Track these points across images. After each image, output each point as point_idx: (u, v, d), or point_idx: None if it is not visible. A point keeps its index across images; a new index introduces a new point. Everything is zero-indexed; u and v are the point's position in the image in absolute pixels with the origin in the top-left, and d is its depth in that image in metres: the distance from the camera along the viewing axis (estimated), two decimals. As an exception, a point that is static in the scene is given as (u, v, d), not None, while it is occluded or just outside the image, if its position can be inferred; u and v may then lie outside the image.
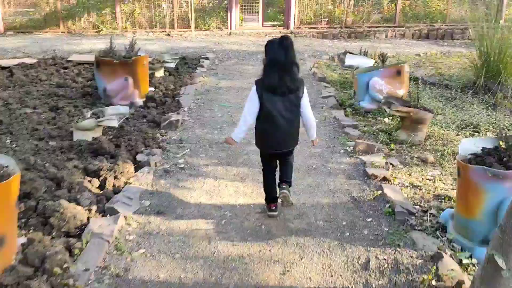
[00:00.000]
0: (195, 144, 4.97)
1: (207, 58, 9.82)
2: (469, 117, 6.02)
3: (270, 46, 3.26)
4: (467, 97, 7.03)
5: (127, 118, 5.82)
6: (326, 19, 13.39)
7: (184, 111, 6.17)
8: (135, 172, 4.05)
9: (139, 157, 4.42)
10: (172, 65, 8.23)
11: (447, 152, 4.76)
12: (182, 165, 4.37)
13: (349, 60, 8.11)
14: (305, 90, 3.32)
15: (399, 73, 6.34)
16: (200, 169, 4.31)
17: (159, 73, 8.12)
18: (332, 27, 13.33)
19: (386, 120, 5.97)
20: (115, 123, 4.83)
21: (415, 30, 13.15)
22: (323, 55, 10.74)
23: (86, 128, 4.80)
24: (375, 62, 8.10)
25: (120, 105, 5.74)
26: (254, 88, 3.26)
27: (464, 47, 11.79)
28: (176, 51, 10.65)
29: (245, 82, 8.03)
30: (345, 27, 13.31)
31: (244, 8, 13.63)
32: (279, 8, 14.96)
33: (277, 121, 3.23)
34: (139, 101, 6.47)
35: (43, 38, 12.15)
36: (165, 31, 12.71)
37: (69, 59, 9.21)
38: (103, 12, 12.42)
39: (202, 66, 9.03)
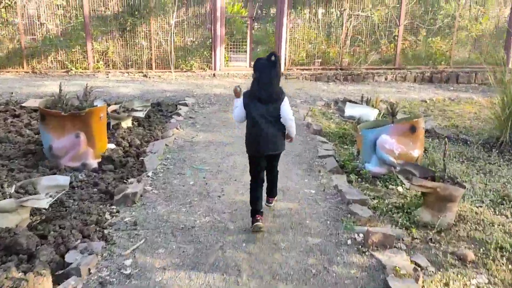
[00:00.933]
0: (153, 231, 3.82)
1: (185, 104, 8.81)
2: (502, 187, 4.99)
3: (259, 62, 3.87)
4: (492, 157, 6.04)
5: (73, 187, 4.69)
6: (320, 60, 12.60)
7: (148, 176, 5.07)
8: (54, 289, 2.87)
9: (70, 257, 3.25)
10: (141, 114, 7.16)
11: (491, 244, 3.67)
12: (129, 271, 3.20)
13: (350, 110, 7.13)
14: (285, 98, 3.86)
15: (413, 129, 5.35)
16: (154, 277, 3.14)
17: (126, 123, 7.06)
18: (326, 69, 12.52)
19: (400, 189, 4.92)
20: (44, 203, 3.67)
21: (417, 73, 12.38)
22: (317, 101, 9.82)
23: (5, 210, 3.63)
24: (381, 114, 7.13)
25: (69, 166, 4.60)
26: (238, 102, 4.02)
27: (473, 93, 10.99)
28: (152, 95, 9.65)
29: (227, 134, 6.99)
30: (341, 69, 12.50)
31: (231, 47, 12.82)
32: (268, 47, 14.20)
33: (261, 125, 3.82)
34: (93, 163, 5.35)
35: (2, 78, 11.11)
36: (142, 72, 11.78)
37: (23, 104, 8.13)
38: (73, 50, 11.48)
39: (179, 114, 8.00)
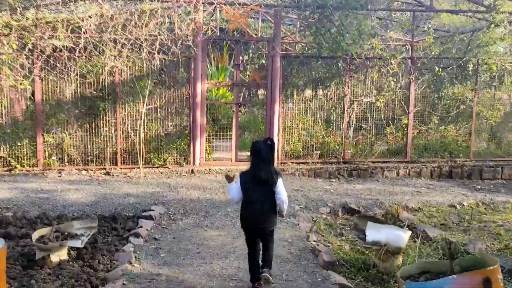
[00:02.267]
0: None
1: (150, 217, 6.94)
2: None
3: (256, 145, 4.59)
4: None
5: None
6: (318, 152, 11.04)
7: None
8: None
9: None
10: (80, 243, 5.23)
11: None
12: None
13: (373, 234, 5.33)
14: (280, 180, 4.51)
15: (487, 283, 3.55)
16: None
17: (59, 255, 5.12)
18: (327, 163, 10.92)
19: None
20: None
21: (433, 167, 10.83)
22: (320, 206, 8.08)
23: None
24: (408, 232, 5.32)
25: None
26: (239, 179, 4.56)
27: (508, 193, 9.35)
28: (109, 203, 7.80)
29: (204, 270, 5.08)
30: (344, 163, 10.92)
31: (213, 135, 11.23)
32: (257, 134, 12.68)
33: (256, 205, 4.48)
34: None
35: None
36: (105, 168, 10.01)
37: None
38: (19, 144, 9.75)
39: (138, 235, 6.12)
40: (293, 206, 7.98)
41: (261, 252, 4.68)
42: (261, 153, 4.49)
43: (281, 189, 4.48)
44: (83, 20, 8.70)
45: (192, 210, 7.61)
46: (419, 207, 8.22)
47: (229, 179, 4.66)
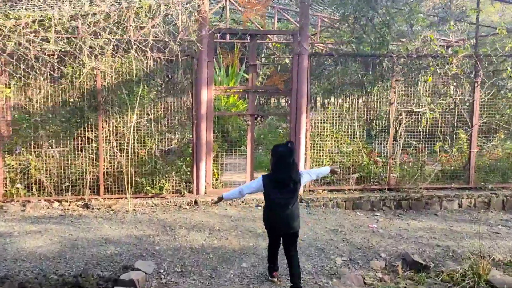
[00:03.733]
0: None
1: (131, 284, 4.90)
2: None
3: (277, 149, 4.77)
4: None
5: None
6: (356, 175, 8.94)
7: None
8: None
9: None
10: None
11: None
12: None
13: None
14: (302, 174, 4.84)
15: None
16: None
17: None
18: (367, 190, 8.84)
19: None
20: None
21: (505, 196, 8.66)
22: (371, 258, 6.01)
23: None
24: None
25: None
26: (261, 179, 4.77)
27: None
28: (79, 254, 5.81)
29: None
30: (389, 189, 8.81)
31: (222, 153, 9.20)
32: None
33: (277, 209, 4.69)
34: None
35: None
36: (83, 199, 8.02)
37: None
38: (-28, 169, 7.82)
39: (107, 323, 4.06)
40: (333, 259, 5.90)
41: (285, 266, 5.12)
42: (282, 157, 4.66)
43: (305, 172, 5.00)
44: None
45: (193, 267, 5.56)
46: (510, 260, 6.09)
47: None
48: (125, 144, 8.01)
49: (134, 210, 7.85)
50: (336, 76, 8.68)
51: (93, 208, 7.89)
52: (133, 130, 8.00)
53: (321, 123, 8.77)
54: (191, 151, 8.37)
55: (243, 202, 8.26)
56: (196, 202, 8.17)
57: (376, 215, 8.10)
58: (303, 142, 8.59)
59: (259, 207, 8.18)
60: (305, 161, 8.66)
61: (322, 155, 8.83)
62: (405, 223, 7.65)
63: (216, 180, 8.78)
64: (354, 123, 8.82)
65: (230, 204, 8.24)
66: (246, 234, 6.73)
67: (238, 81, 13.61)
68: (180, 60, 8.06)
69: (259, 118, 12.53)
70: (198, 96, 8.30)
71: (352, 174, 9.02)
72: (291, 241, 4.85)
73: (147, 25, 7.72)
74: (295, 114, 8.59)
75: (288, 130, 9.22)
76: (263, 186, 4.72)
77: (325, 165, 8.80)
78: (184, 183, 8.45)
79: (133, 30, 7.78)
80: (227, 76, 13.42)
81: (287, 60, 9.78)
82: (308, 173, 5.02)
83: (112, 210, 7.84)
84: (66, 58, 7.78)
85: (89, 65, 7.75)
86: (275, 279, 5.14)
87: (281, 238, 4.95)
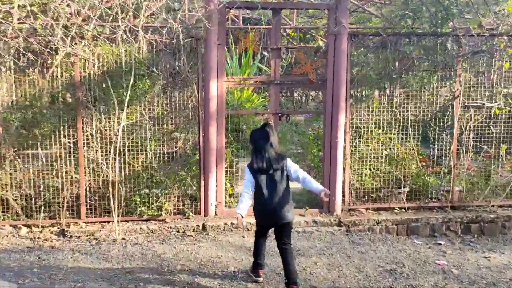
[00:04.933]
0: None
1: None
2: None
3: (253, 134, 4.63)
4: None
5: None
6: (407, 189, 7.14)
7: None
8: None
9: None
10: None
11: None
12: None
13: None
14: (289, 161, 4.54)
15: None
16: None
17: None
18: (423, 208, 7.05)
19: None
20: None
21: None
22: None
23: None
24: None
25: None
26: (247, 169, 4.54)
27: None
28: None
29: None
30: (452, 208, 7.00)
31: (236, 159, 7.43)
32: (306, 162, 8.70)
33: (267, 195, 4.41)
34: None
35: None
36: (59, 224, 6.36)
37: None
38: None
39: None
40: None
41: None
42: (258, 142, 4.51)
43: (295, 169, 4.54)
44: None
45: None
46: None
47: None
48: (112, 152, 6.30)
49: (124, 239, 6.14)
50: (384, 63, 6.83)
51: (71, 236, 6.22)
52: (124, 134, 6.29)
53: (363, 122, 6.97)
54: (198, 158, 6.64)
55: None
56: (204, 227, 6.44)
57: (440, 244, 6.30)
58: (341, 147, 6.80)
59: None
60: (344, 171, 6.88)
61: (365, 163, 7.03)
62: (482, 257, 5.84)
63: (230, 196, 7.02)
64: (406, 122, 6.99)
65: (248, 229, 6.49)
66: (273, 280, 4.97)
67: (252, 73, 11.81)
68: (182, 43, 6.32)
69: (284, 117, 10.68)
70: (206, 89, 6.56)
71: (403, 187, 7.21)
72: (283, 232, 4.53)
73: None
74: (330, 111, 6.79)
75: (322, 132, 7.43)
76: (252, 176, 4.50)
77: (367, 175, 7.02)
78: (188, 201, 6.72)
79: (120, 4, 6.07)
80: (240, 68, 11.63)
81: (320, 42, 7.85)
82: (298, 170, 4.56)
83: (95, 239, 6.15)
84: (35, 42, 6.10)
85: (64, 51, 6.06)
86: (261, 279, 4.81)
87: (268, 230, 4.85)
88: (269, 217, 4.48)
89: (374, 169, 7.06)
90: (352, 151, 6.99)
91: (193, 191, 6.74)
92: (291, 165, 4.53)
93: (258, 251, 4.77)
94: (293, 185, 4.71)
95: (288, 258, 4.49)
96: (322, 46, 6.60)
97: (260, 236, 4.78)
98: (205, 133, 6.61)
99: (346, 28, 6.59)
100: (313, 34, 11.57)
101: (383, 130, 7.02)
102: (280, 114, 7.18)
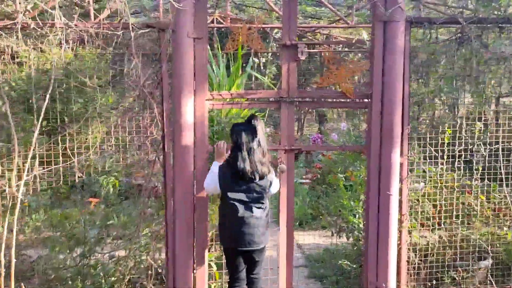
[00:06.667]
0: None
1: None
2: None
3: (236, 128, 3.56)
4: None
5: None
6: (489, 263, 4.63)
7: None
8: None
9: None
10: None
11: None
12: None
13: None
14: (274, 177, 3.57)
15: None
16: None
17: None
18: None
19: None
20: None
21: None
22: None
23: None
24: None
25: None
26: (215, 167, 3.51)
27: None
28: None
29: None
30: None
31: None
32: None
33: (239, 211, 3.40)
34: None
35: None
36: None
37: None
38: None
39: None
40: None
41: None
42: (242, 138, 3.46)
43: (275, 186, 3.68)
44: None
45: None
46: None
47: (220, 151, 3.63)
48: (5, 226, 3.65)
49: None
50: (464, 64, 4.36)
51: None
52: (20, 195, 3.65)
53: (429, 162, 4.46)
54: (163, 241, 4.03)
55: None
56: None
57: None
58: (395, 201, 4.25)
59: None
60: (400, 240, 4.35)
61: (431, 227, 4.53)
62: None
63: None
64: (495, 155, 4.51)
65: None
66: None
67: (243, 84, 9.21)
68: (134, 37, 3.76)
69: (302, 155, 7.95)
70: (176, 113, 3.97)
71: (483, 259, 4.72)
72: (253, 260, 3.58)
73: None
74: (378, 146, 4.27)
75: (365, 178, 4.89)
76: (218, 180, 3.47)
77: (434, 249, 4.53)
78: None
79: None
80: (228, 76, 8.97)
81: (364, 35, 5.25)
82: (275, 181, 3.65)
83: None
84: None
85: None
86: None
87: (243, 264, 3.60)
88: (239, 238, 3.47)
89: (446, 235, 4.55)
90: (410, 207, 4.48)
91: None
92: (274, 186, 3.68)
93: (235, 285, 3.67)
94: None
95: (253, 283, 3.66)
96: (366, 40, 4.09)
97: (234, 267, 3.61)
98: (174, 194, 3.99)
99: (403, 10, 4.10)
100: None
101: (458, 174, 4.52)
102: (297, 151, 4.58)
